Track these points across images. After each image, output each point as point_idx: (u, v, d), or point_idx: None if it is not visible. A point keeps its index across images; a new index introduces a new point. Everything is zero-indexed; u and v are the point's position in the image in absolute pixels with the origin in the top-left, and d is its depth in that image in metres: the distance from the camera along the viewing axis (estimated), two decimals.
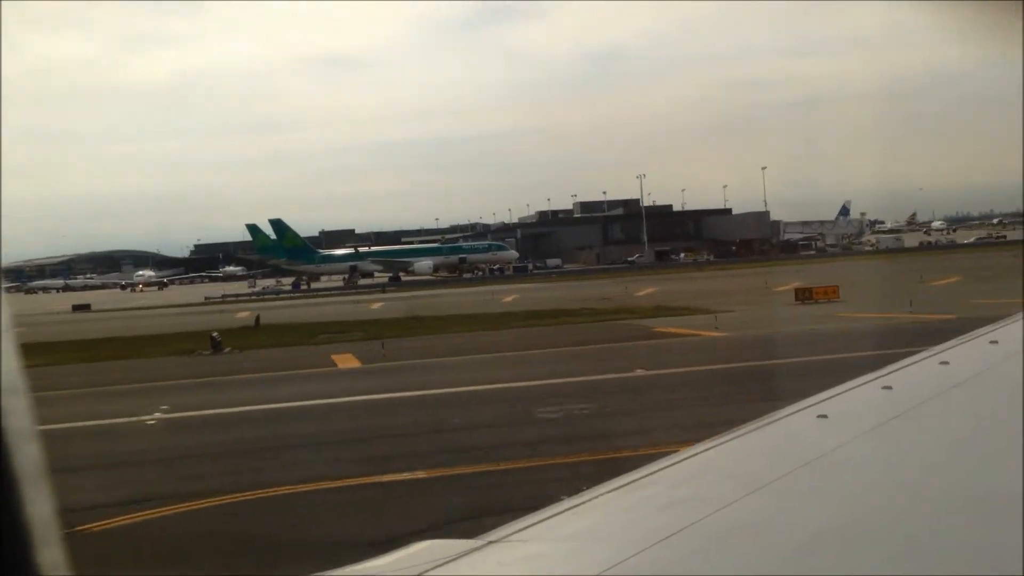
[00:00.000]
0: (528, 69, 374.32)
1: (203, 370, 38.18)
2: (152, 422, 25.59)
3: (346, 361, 38.50)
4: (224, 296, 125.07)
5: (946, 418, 3.95)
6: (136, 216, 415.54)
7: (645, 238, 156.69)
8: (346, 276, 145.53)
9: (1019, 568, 2.17)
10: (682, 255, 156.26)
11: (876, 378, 4.63)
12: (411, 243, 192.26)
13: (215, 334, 47.57)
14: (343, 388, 30.21)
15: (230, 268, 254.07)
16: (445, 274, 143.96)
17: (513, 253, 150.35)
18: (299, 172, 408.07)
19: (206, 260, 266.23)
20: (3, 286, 1.62)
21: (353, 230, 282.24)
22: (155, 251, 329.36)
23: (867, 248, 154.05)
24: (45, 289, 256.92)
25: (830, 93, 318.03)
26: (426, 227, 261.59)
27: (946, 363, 4.86)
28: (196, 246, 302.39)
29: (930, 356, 5.11)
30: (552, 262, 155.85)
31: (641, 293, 75.49)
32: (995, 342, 5.30)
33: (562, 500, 3.17)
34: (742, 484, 3.12)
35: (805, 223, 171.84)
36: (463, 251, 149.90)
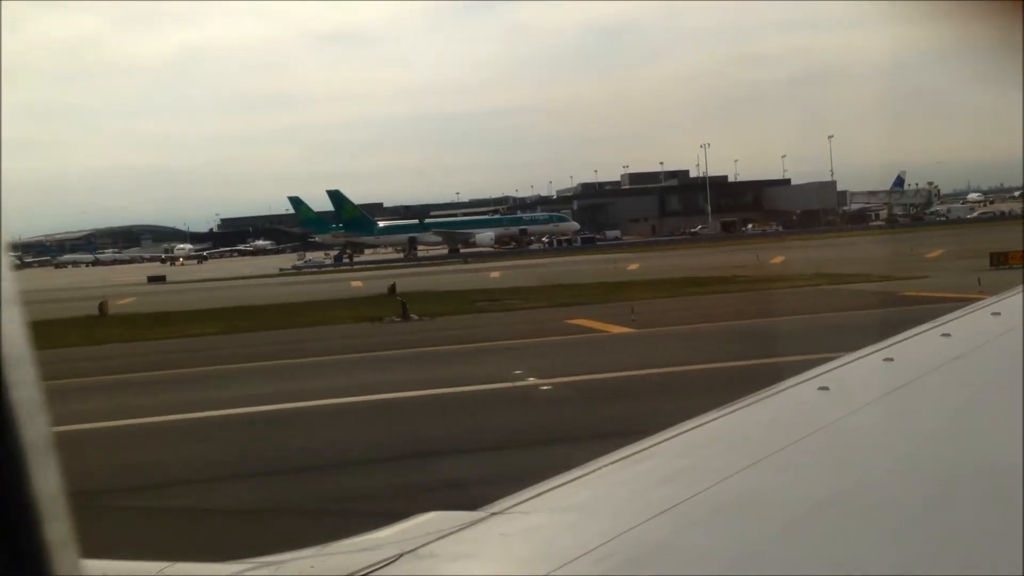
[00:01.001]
0: (536, 44, 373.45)
1: (437, 337, 34.25)
2: (547, 388, 21.56)
3: (602, 326, 34.64)
4: (305, 263, 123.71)
5: (947, 390, 3.98)
6: (146, 191, 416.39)
7: (708, 209, 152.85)
8: (404, 248, 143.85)
9: (1020, 539, 2.21)
10: (749, 226, 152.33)
11: (878, 350, 4.74)
12: (452, 215, 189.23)
13: (401, 299, 43.86)
14: (679, 355, 25.98)
15: (260, 242, 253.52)
16: (501, 247, 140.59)
17: (574, 224, 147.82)
18: (309, 147, 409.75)
19: (235, 234, 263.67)
20: (6, 259, 1.59)
21: (381, 203, 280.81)
22: (171, 226, 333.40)
23: (939, 219, 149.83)
24: (75, 263, 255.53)
25: (838, 67, 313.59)
26: (449, 201, 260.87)
27: (948, 335, 5.00)
28: (222, 220, 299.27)
29: (932, 328, 5.25)
30: (611, 234, 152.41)
31: (774, 262, 71.63)
32: (997, 313, 5.43)
33: (565, 472, 3.19)
34: (742, 456, 3.16)
35: (871, 193, 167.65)
36: (524, 222, 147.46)
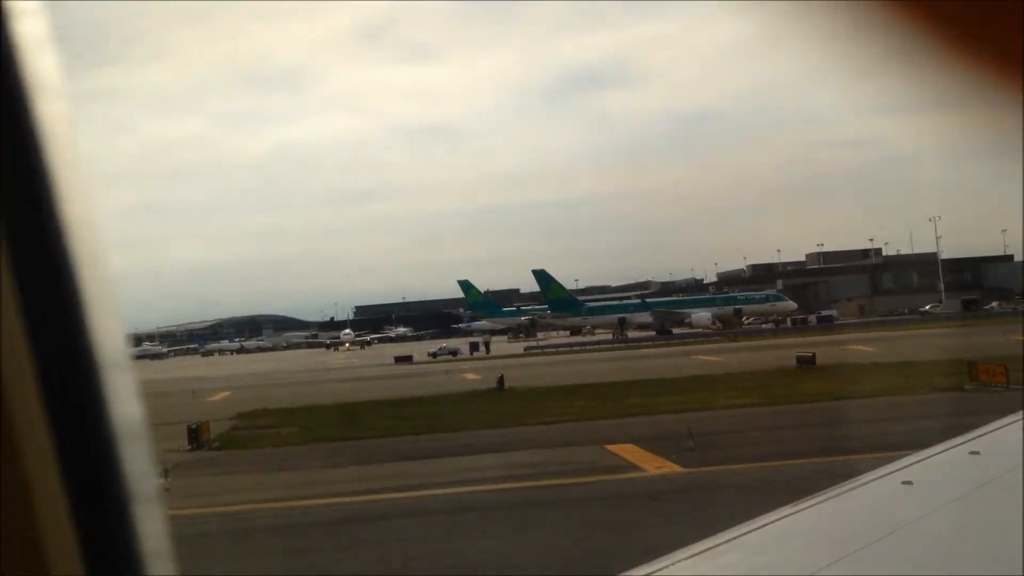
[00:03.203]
0: (620, 133, 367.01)
1: None
2: None
3: None
4: (439, 351, 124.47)
5: None
6: (252, 282, 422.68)
7: (942, 285, 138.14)
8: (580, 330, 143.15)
9: None
10: (993, 304, 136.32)
11: (963, 443, 4.68)
12: (609, 299, 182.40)
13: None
14: None
15: (401, 329, 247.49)
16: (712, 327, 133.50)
17: (791, 304, 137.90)
18: (403, 239, 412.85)
19: (370, 320, 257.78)
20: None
21: (518, 289, 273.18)
22: (289, 315, 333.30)
23: None
24: (221, 351, 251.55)
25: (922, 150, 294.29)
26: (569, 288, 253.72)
27: None
28: (356, 308, 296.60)
29: (1019, 419, 5.10)
30: (825, 313, 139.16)
31: None
32: None
33: (645, 565, 3.19)
34: (825, 552, 3.10)
35: None
36: (738, 301, 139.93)
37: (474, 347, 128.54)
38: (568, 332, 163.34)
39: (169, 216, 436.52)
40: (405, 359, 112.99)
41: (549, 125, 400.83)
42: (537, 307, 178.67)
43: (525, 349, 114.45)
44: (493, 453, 33.18)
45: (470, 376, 74.21)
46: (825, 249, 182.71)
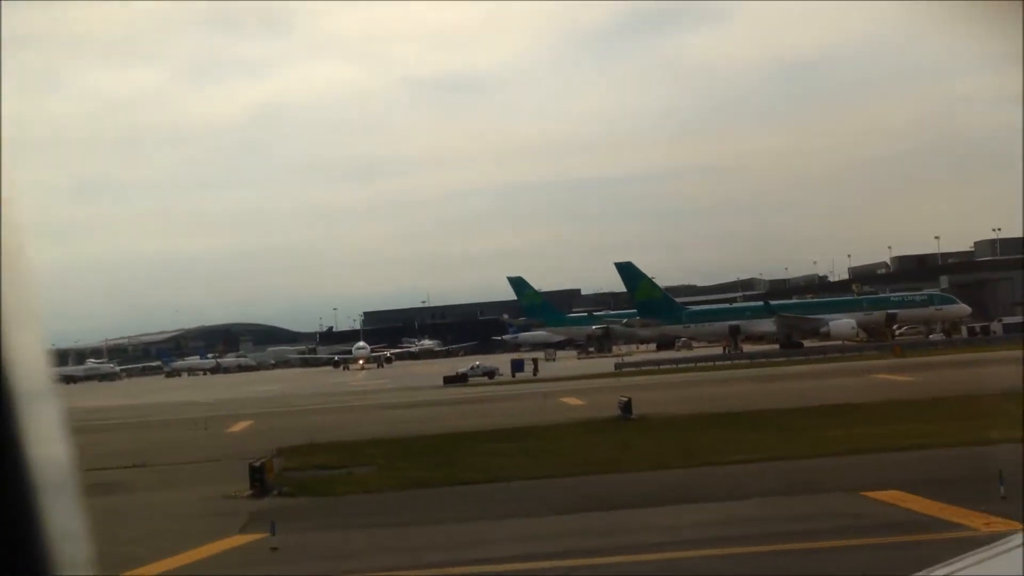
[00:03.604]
0: (701, 88, 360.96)
1: None
2: None
3: None
4: (471, 370, 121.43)
5: None
6: (222, 283, 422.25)
7: None
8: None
9: None
10: None
11: None
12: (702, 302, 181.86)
13: None
14: None
15: (426, 342, 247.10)
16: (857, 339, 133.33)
17: (964, 308, 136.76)
18: (418, 225, 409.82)
19: (384, 331, 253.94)
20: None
21: (579, 290, 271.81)
22: (273, 324, 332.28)
23: None
24: (192, 371, 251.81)
25: None
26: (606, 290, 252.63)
27: None
28: (365, 315, 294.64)
29: None
30: (1008, 320, 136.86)
31: None
32: None
33: None
34: None
35: None
36: (891, 304, 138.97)
37: (517, 366, 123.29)
38: (654, 346, 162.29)
39: (114, 197, 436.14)
40: (458, 379, 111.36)
41: (603, 78, 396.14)
42: (612, 313, 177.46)
43: (616, 367, 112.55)
44: (695, 503, 31.47)
45: (572, 401, 72.84)
46: (1003, 235, 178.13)
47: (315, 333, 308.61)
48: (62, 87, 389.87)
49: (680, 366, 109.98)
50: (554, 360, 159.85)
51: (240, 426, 71.92)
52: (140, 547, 29.53)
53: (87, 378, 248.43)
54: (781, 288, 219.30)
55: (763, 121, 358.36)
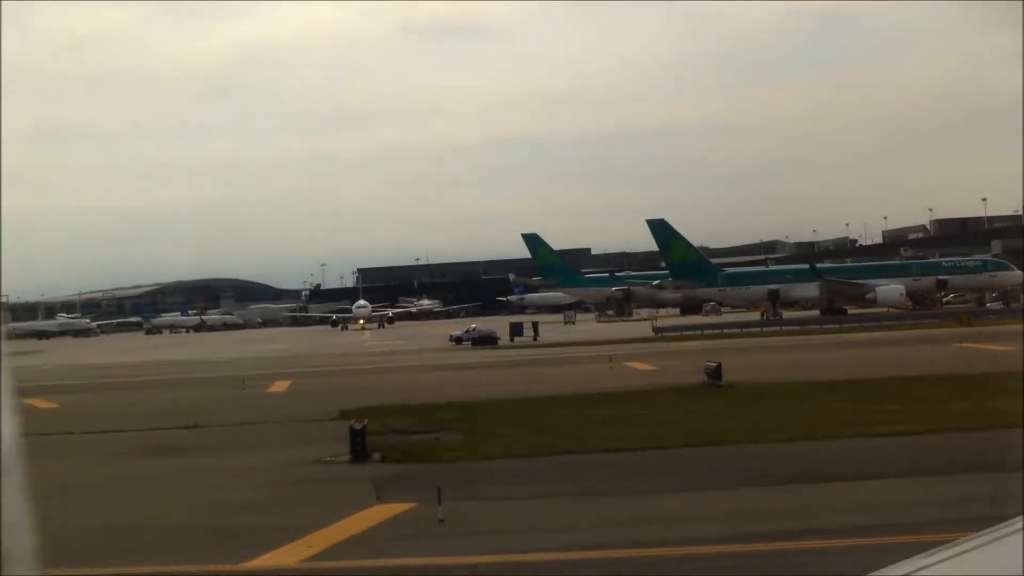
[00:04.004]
0: (719, 39, 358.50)
1: None
2: None
3: None
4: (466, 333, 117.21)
5: None
6: (198, 235, 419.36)
7: None
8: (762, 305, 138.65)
9: None
10: None
11: None
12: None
13: None
14: None
15: (426, 301, 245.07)
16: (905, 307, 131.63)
17: (1020, 274, 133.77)
18: (402, 178, 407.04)
19: (377, 290, 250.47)
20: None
21: (589, 249, 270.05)
22: (254, 280, 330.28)
23: None
24: (174, 328, 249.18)
25: None
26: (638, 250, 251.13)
27: None
28: (360, 271, 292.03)
29: None
30: None
31: None
32: None
33: None
34: None
35: None
36: (942, 270, 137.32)
37: (516, 329, 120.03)
38: (678, 310, 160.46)
39: (82, 143, 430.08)
40: (487, 341, 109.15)
41: (614, 23, 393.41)
42: (638, 273, 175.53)
43: (655, 331, 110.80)
44: (876, 479, 29.74)
45: (638, 366, 71.42)
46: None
47: (300, 291, 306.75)
48: (20, 23, 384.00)
49: (725, 331, 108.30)
50: (574, 323, 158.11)
51: (281, 386, 70.17)
52: (279, 516, 27.92)
53: (61, 334, 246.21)
54: (808, 251, 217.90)
55: (790, 76, 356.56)
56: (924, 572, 4.72)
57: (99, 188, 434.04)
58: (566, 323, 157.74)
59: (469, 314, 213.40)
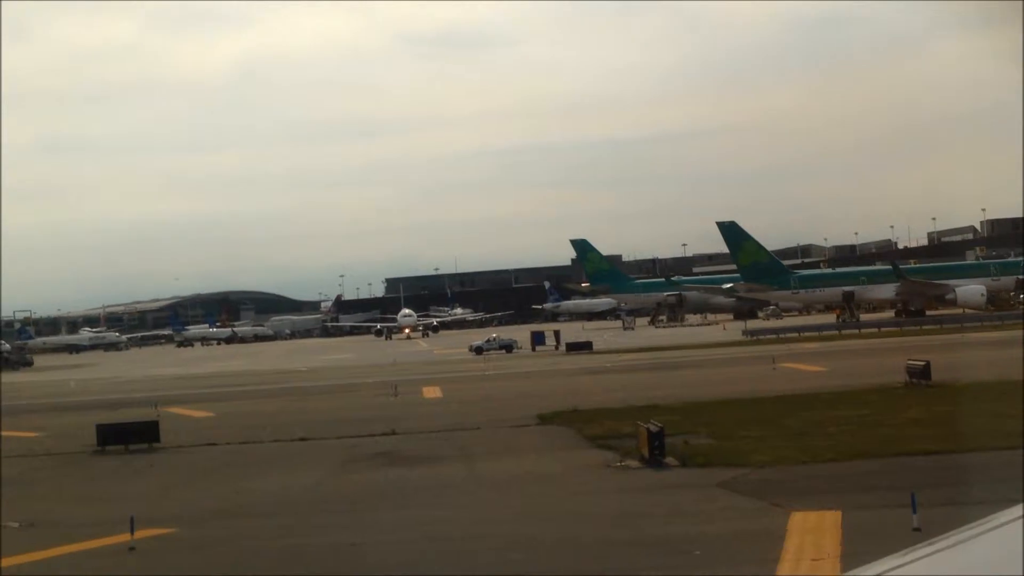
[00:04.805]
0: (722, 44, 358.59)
1: None
2: None
3: None
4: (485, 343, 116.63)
5: None
6: (210, 248, 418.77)
7: None
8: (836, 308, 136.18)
9: None
10: None
11: None
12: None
13: None
14: None
15: (459, 310, 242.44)
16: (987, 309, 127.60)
17: None
18: (406, 188, 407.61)
19: (408, 300, 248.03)
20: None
21: (620, 256, 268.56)
22: (274, 292, 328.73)
23: None
24: (205, 340, 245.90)
25: None
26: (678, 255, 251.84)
27: None
28: (387, 282, 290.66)
29: None
30: None
31: None
32: None
33: None
34: None
35: None
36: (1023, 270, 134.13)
37: (537, 338, 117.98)
38: (732, 316, 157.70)
39: (86, 157, 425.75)
40: (581, 347, 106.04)
41: (616, 30, 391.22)
42: (688, 279, 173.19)
43: (745, 334, 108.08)
44: None
45: (802, 367, 68.54)
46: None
47: (318, 302, 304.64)
48: (27, 38, 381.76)
49: (823, 333, 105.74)
50: (632, 329, 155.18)
51: (431, 392, 67.08)
52: (688, 526, 25.19)
53: (92, 347, 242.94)
54: (849, 255, 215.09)
55: (811, 77, 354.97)
56: (923, 568, 4.61)
57: (105, 201, 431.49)
58: (624, 329, 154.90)
59: (502, 323, 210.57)
